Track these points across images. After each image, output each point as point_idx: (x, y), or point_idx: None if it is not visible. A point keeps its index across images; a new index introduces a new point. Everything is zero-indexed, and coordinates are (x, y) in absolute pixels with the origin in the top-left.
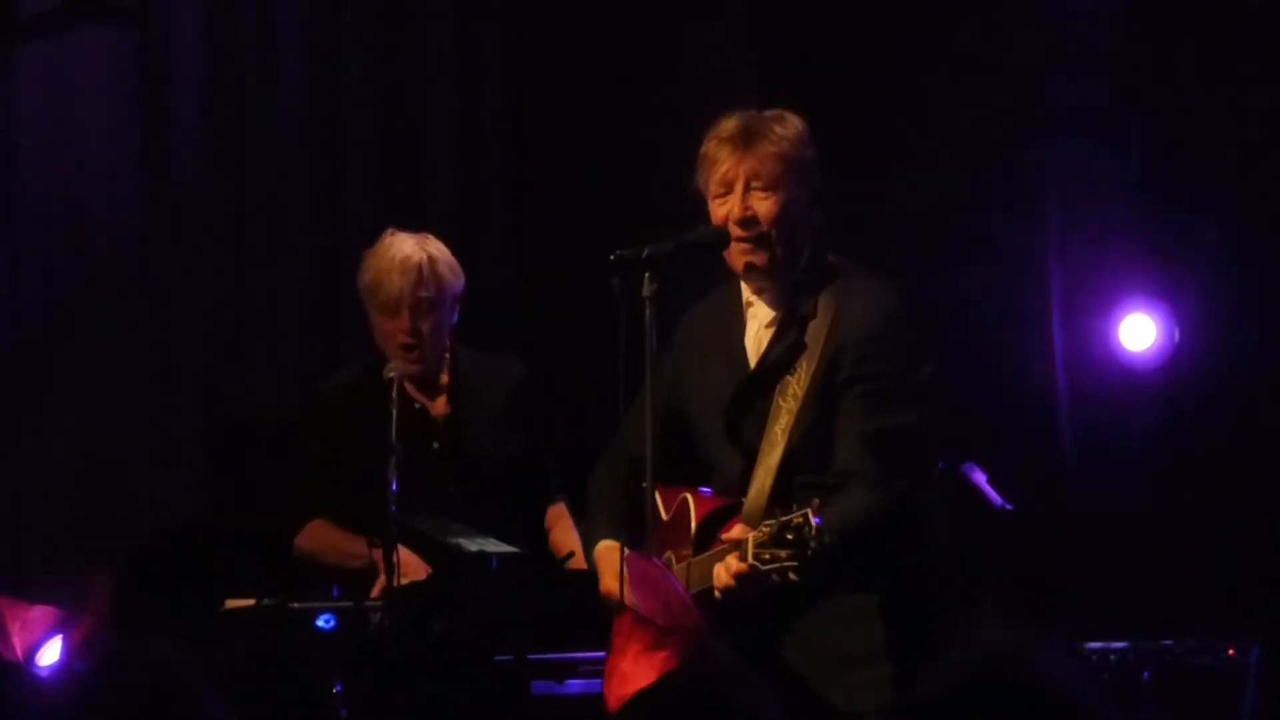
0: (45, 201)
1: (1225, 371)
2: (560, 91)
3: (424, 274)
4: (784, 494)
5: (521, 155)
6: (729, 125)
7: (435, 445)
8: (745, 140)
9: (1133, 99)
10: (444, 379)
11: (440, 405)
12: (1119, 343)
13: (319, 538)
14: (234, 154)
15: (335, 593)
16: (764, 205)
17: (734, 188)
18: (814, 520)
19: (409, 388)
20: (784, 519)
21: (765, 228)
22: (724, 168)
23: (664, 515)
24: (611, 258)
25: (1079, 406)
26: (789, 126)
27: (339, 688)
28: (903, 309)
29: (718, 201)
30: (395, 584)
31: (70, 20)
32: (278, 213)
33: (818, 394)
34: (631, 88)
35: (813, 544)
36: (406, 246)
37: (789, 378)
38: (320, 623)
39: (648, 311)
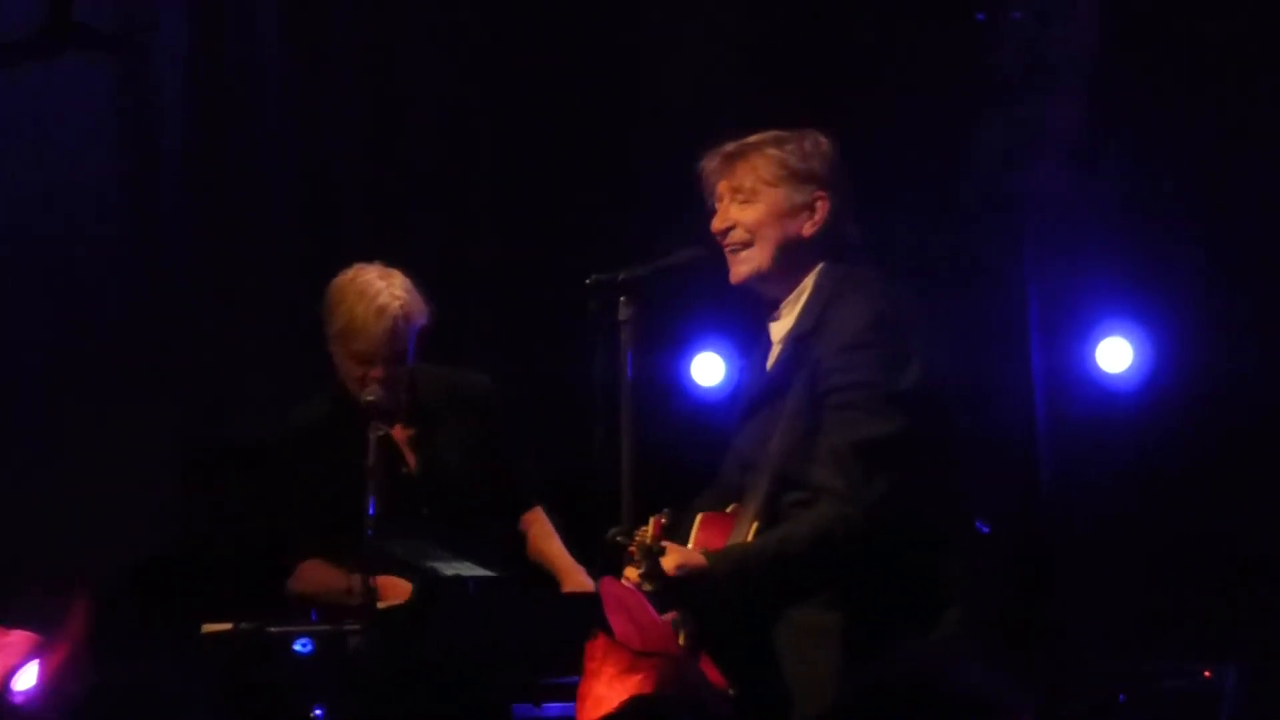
0: (26, 228)
1: (1203, 394)
2: (548, 110)
3: (399, 327)
4: (774, 510)
5: (508, 177)
6: (741, 139)
7: (404, 470)
8: (732, 154)
9: (1110, 122)
10: (406, 402)
11: (404, 429)
12: (1097, 365)
13: (312, 580)
14: (216, 179)
15: (314, 616)
16: (742, 213)
17: (723, 200)
18: (653, 532)
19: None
20: (636, 529)
21: (743, 234)
22: (709, 181)
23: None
24: (588, 281)
25: (1057, 429)
26: (792, 140)
27: (318, 712)
28: (883, 316)
29: (714, 208)
30: (374, 608)
31: (52, 46)
32: (260, 238)
33: (803, 410)
34: (619, 107)
35: (647, 555)
36: (381, 295)
37: (787, 394)
38: (298, 646)
39: (623, 335)
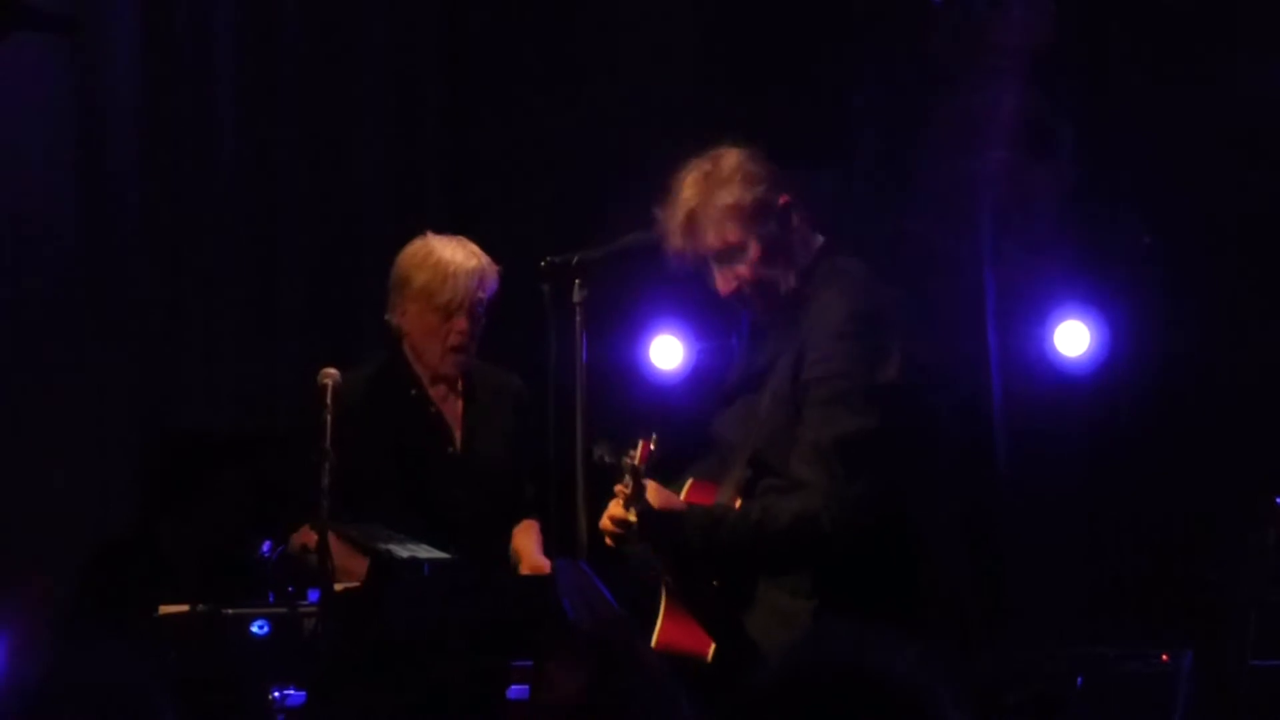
0: None
1: (1159, 377)
2: (499, 90)
3: (485, 277)
4: (751, 493)
5: (458, 158)
6: (676, 202)
7: (449, 449)
8: (690, 221)
9: (1069, 108)
10: (460, 385)
11: (456, 410)
12: (1054, 349)
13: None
14: (170, 165)
15: (270, 598)
16: (744, 271)
17: (704, 265)
18: (641, 455)
19: (430, 390)
20: (625, 450)
21: (748, 288)
22: (684, 252)
23: None
24: (542, 264)
25: (1014, 413)
26: (724, 180)
27: (274, 693)
28: (865, 309)
29: (700, 273)
30: (331, 588)
31: (2, 30)
32: (213, 225)
33: (785, 399)
34: (570, 89)
35: (633, 475)
36: (459, 251)
37: (769, 381)
38: (254, 628)
39: (578, 317)
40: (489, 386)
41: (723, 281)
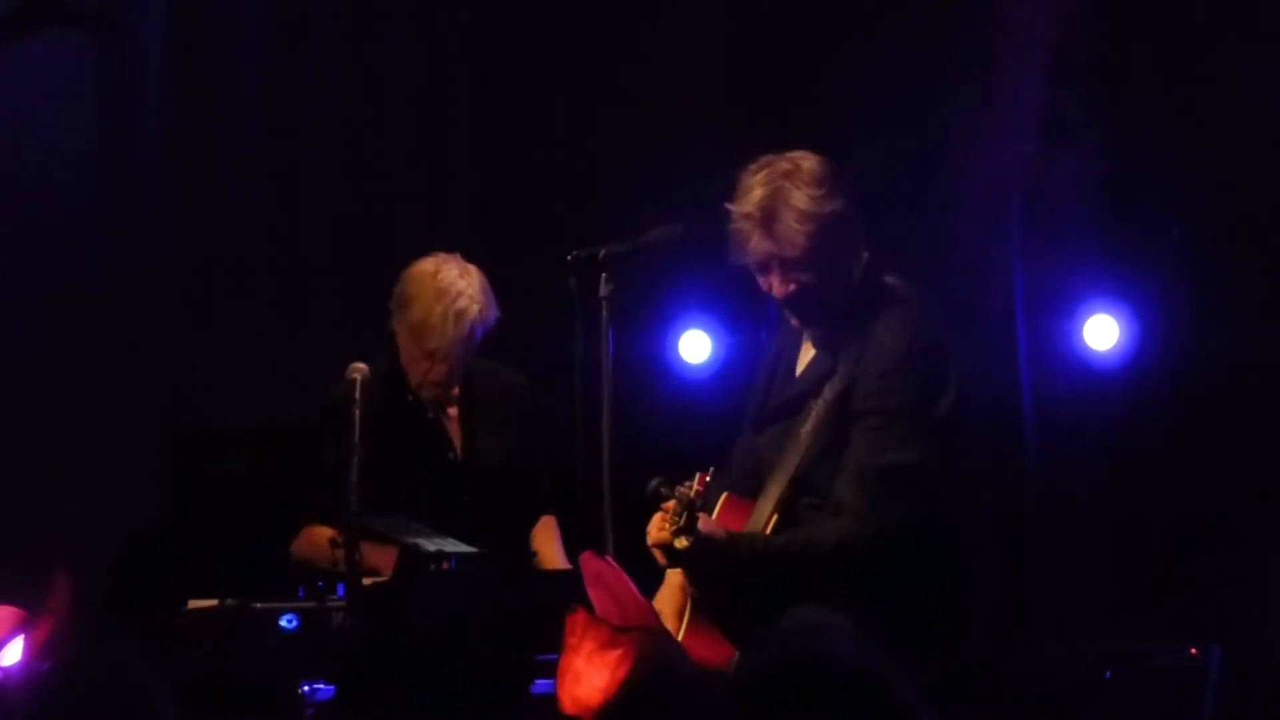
0: (4, 209)
1: (1188, 372)
2: (524, 87)
3: (472, 328)
4: (790, 511)
5: (485, 152)
6: (752, 199)
7: (450, 455)
8: (767, 220)
9: (1097, 101)
10: (456, 390)
11: (453, 416)
12: (1083, 343)
13: (314, 543)
14: (195, 162)
15: (300, 593)
16: (803, 276)
17: (769, 267)
18: (698, 488)
19: (424, 396)
20: (680, 482)
21: (806, 294)
22: (754, 251)
23: None
24: (569, 258)
25: (1043, 407)
26: (805, 184)
27: (303, 687)
28: (927, 342)
29: (759, 273)
30: (358, 584)
31: (31, 24)
32: (239, 220)
33: (831, 421)
34: (596, 83)
35: (688, 507)
36: (460, 298)
37: (814, 401)
38: (283, 623)
39: (604, 312)
40: (488, 387)
41: (781, 284)
